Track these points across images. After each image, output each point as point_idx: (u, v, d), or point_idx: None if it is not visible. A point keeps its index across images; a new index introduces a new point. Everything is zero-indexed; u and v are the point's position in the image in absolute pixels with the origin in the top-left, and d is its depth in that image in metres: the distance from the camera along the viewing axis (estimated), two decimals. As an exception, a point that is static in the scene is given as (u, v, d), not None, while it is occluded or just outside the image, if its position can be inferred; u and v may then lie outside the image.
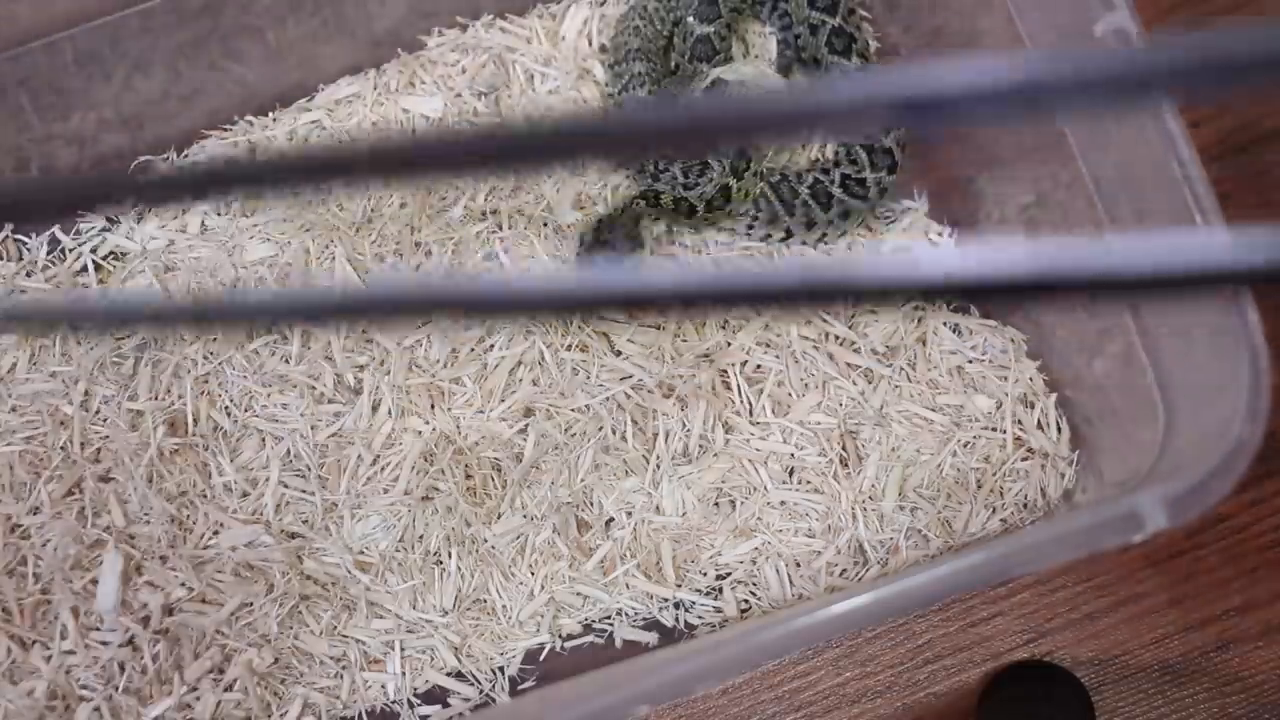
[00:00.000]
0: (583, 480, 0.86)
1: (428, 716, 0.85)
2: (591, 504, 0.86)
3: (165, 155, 0.95)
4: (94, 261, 0.93)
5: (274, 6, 0.89)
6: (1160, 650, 0.89)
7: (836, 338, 0.89)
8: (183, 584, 0.84)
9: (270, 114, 0.96)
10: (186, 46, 0.89)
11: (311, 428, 0.87)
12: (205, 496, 0.86)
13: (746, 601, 0.85)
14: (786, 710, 0.88)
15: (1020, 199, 0.86)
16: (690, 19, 0.94)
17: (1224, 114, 0.95)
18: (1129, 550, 0.89)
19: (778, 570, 0.85)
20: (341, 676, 0.85)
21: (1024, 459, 0.87)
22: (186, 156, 0.96)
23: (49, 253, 0.94)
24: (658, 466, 0.86)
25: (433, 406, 0.87)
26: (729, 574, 0.86)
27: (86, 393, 0.88)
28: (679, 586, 0.85)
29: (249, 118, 0.96)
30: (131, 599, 0.84)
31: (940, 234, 0.93)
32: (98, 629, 0.84)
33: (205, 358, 0.89)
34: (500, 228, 0.91)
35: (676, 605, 0.86)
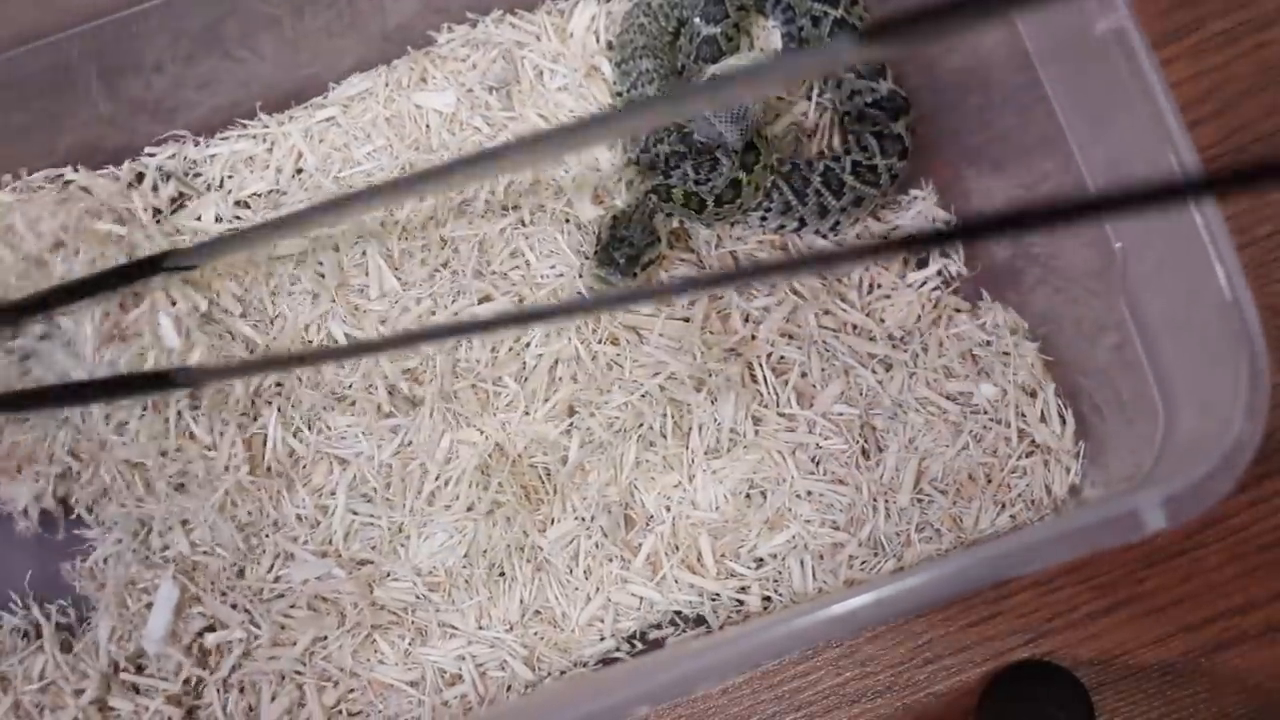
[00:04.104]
0: (627, 477, 0.87)
1: (447, 701, 0.85)
2: (635, 501, 0.87)
3: (173, 155, 0.95)
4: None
5: (289, -3, 0.89)
6: (1160, 650, 0.89)
7: (854, 326, 0.90)
8: (250, 622, 0.83)
9: (286, 112, 0.96)
10: (202, 34, 0.88)
11: (378, 445, 0.87)
12: (276, 525, 0.86)
13: (769, 597, 0.86)
14: (786, 710, 0.89)
15: (1020, 195, 0.86)
16: (697, 19, 0.94)
17: (1224, 114, 0.95)
18: (1129, 550, 0.89)
19: (803, 563, 0.86)
20: (423, 704, 0.84)
21: (1028, 454, 0.87)
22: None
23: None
24: (692, 461, 0.87)
25: (481, 412, 0.88)
26: (761, 566, 0.86)
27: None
28: (728, 578, 0.86)
29: (263, 116, 0.96)
30: (182, 630, 0.83)
31: (949, 223, 0.94)
32: (145, 664, 0.83)
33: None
34: (523, 223, 0.91)
35: (707, 596, 0.86)
